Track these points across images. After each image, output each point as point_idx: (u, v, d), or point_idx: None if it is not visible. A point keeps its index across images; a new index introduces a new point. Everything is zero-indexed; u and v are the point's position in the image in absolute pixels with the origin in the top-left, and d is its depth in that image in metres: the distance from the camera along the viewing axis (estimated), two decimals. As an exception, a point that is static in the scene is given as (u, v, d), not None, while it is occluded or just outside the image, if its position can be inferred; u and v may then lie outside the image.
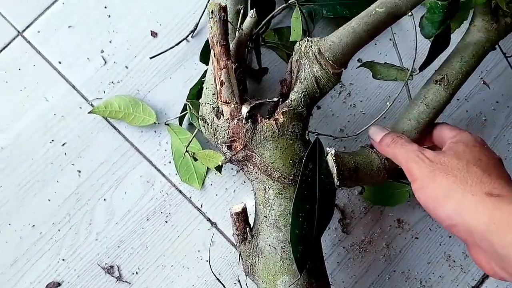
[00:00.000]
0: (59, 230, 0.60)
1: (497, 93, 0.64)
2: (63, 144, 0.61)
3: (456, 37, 0.53)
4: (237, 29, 0.52)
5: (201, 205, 0.61)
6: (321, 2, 0.63)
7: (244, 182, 0.61)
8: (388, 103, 0.56)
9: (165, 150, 0.61)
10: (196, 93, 0.59)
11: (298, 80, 0.50)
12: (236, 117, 0.49)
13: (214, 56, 0.49)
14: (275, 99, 0.52)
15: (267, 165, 0.48)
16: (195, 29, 0.63)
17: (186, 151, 0.58)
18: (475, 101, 0.64)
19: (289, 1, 0.57)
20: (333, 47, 0.48)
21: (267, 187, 0.48)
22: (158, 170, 0.61)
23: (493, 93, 0.64)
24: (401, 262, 0.59)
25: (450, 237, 0.60)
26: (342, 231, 0.60)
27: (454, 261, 0.59)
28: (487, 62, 0.64)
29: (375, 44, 0.64)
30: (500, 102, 0.64)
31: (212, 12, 0.48)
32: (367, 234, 0.60)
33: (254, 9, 0.50)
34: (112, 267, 0.59)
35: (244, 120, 0.48)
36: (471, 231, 0.38)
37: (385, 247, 0.60)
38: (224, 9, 0.48)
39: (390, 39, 0.64)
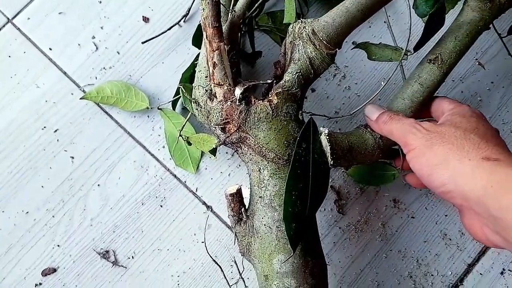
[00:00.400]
0: (53, 216, 0.59)
1: (492, 73, 0.64)
2: (55, 131, 0.61)
3: (450, 19, 0.52)
4: (230, 11, 0.52)
5: (196, 189, 0.61)
6: (313, -16, 0.62)
7: (239, 165, 0.61)
8: (382, 83, 0.56)
9: (159, 135, 0.61)
10: (188, 77, 0.59)
11: (292, 61, 0.49)
12: (229, 99, 0.49)
13: (207, 38, 0.49)
14: (269, 81, 0.51)
15: (261, 146, 0.48)
16: (187, 13, 0.63)
17: (180, 136, 0.58)
18: (470, 82, 0.63)
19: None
20: (327, 27, 0.48)
21: (261, 168, 0.48)
22: (152, 155, 0.61)
23: (488, 74, 0.64)
24: (398, 241, 0.59)
25: (446, 215, 0.60)
26: (338, 211, 0.60)
27: (450, 239, 0.60)
28: (482, 43, 0.64)
29: (370, 26, 0.64)
30: (495, 83, 0.64)
31: (203, -7, 0.47)
32: (363, 215, 0.60)
33: (247, -11, 0.50)
34: (107, 252, 0.58)
35: (237, 101, 0.48)
36: (466, 196, 0.38)
37: (381, 226, 0.60)
38: (215, -10, 0.47)
39: (385, 22, 0.64)
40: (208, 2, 0.48)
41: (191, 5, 0.63)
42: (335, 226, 0.60)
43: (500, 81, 0.64)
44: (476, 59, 0.64)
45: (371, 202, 0.60)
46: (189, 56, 0.63)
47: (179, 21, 0.63)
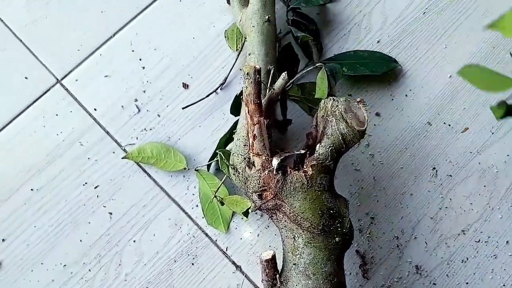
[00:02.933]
0: (89, 270, 0.62)
1: (508, 146, 0.67)
2: (96, 187, 0.64)
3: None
4: (268, 88, 0.57)
5: (226, 248, 0.63)
6: (341, 61, 0.68)
7: (268, 226, 0.64)
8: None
9: (193, 194, 0.65)
10: (225, 142, 0.63)
11: (325, 136, 0.53)
12: (267, 168, 0.52)
13: (248, 112, 0.53)
14: (302, 151, 0.55)
15: (296, 214, 0.51)
16: (224, 82, 0.68)
17: (215, 196, 0.61)
18: (487, 154, 0.67)
19: (316, 64, 0.62)
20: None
21: (296, 235, 0.51)
22: (186, 213, 0.64)
23: (504, 147, 0.68)
24: (420, 309, 0.61)
25: (467, 283, 0.62)
26: (362, 276, 0.62)
27: (472, 310, 0.62)
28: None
29: (392, 99, 0.69)
30: (511, 155, 0.67)
31: (247, 74, 0.52)
32: (387, 280, 0.62)
33: (286, 72, 0.55)
34: (139, 308, 0.60)
35: (274, 171, 0.52)
36: None
37: (403, 293, 0.62)
38: (258, 71, 0.52)
39: (406, 95, 0.69)
40: (251, 82, 0.53)
41: (228, 74, 0.68)
42: (359, 290, 0.62)
43: (515, 154, 0.68)
44: (492, 132, 0.68)
45: (394, 268, 0.63)
46: (224, 121, 0.67)
47: (216, 89, 0.68)
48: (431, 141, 0.68)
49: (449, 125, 0.68)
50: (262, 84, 0.57)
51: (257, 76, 0.53)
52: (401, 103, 0.69)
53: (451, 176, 0.66)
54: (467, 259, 0.64)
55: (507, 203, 0.65)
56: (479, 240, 0.64)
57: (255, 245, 0.63)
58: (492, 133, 0.68)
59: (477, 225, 0.65)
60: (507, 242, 0.64)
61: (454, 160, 0.67)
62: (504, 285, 0.62)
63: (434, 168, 0.67)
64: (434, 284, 0.62)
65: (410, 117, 0.68)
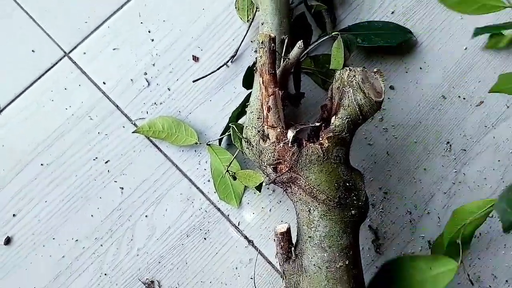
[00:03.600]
0: (101, 245, 0.62)
1: (523, 120, 0.66)
2: (106, 162, 0.64)
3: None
4: (283, 58, 0.55)
5: (238, 223, 0.63)
6: (356, 31, 0.66)
7: (280, 201, 0.63)
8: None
9: (205, 169, 0.64)
10: (236, 115, 0.62)
11: (342, 107, 0.52)
12: (282, 141, 0.51)
13: (263, 83, 0.52)
14: (318, 124, 0.54)
15: (312, 187, 0.50)
16: (235, 55, 0.66)
17: (227, 171, 0.61)
18: (502, 128, 0.66)
19: (331, 33, 0.60)
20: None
21: (311, 208, 0.50)
22: (198, 188, 0.63)
23: (518, 121, 0.66)
24: (433, 283, 0.61)
25: (479, 259, 0.62)
26: (375, 251, 0.62)
27: (483, 282, 0.61)
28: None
29: (406, 72, 0.67)
30: (526, 129, 0.66)
31: (262, 42, 0.51)
32: (399, 255, 0.62)
33: (302, 40, 0.53)
34: (152, 282, 0.60)
35: (290, 143, 0.51)
36: None
37: (416, 268, 0.62)
38: (273, 39, 0.51)
39: (421, 68, 0.67)
40: (266, 51, 0.51)
41: (239, 46, 0.66)
42: (372, 265, 0.62)
43: (531, 128, 0.66)
44: (507, 106, 0.67)
45: (407, 243, 0.62)
46: (236, 94, 0.66)
47: (227, 61, 0.66)
48: (446, 115, 0.66)
49: (464, 98, 0.67)
50: (276, 53, 0.55)
51: (272, 45, 0.51)
52: (416, 76, 0.68)
53: (465, 150, 0.65)
54: (480, 235, 0.63)
55: (522, 178, 0.65)
56: (493, 216, 0.64)
57: (267, 220, 0.63)
58: (507, 107, 0.67)
59: (491, 199, 0.64)
60: (521, 216, 0.64)
61: (469, 134, 0.66)
62: (517, 259, 0.62)
63: (448, 143, 0.66)
64: (447, 258, 0.62)
65: (425, 91, 0.67)
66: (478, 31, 0.54)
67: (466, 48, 0.68)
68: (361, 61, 0.68)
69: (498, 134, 0.66)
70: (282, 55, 0.57)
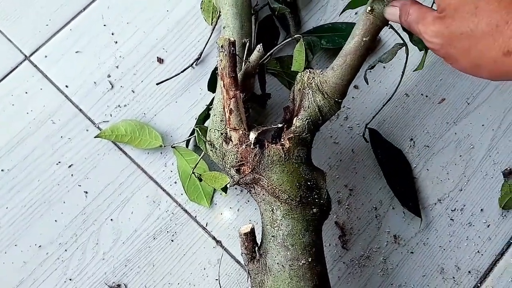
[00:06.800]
0: (66, 250, 0.61)
1: (483, 116, 0.68)
2: (70, 166, 0.63)
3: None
4: (244, 61, 0.55)
5: (206, 224, 0.63)
6: (320, 33, 0.67)
7: (248, 201, 0.64)
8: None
9: (171, 171, 0.64)
10: (203, 118, 0.62)
11: (302, 108, 0.53)
12: (244, 143, 0.52)
13: (224, 86, 0.52)
14: (279, 125, 0.55)
15: (274, 187, 0.51)
16: (199, 57, 0.66)
17: (193, 173, 0.60)
18: (463, 124, 0.68)
19: (294, 36, 0.60)
20: (333, 78, 0.52)
21: (274, 208, 0.51)
22: (164, 190, 0.63)
23: (479, 117, 0.68)
24: (398, 276, 0.62)
25: (444, 249, 0.64)
26: (342, 247, 0.63)
27: (447, 273, 0.63)
28: (474, 87, 0.69)
29: (370, 71, 0.68)
30: (485, 125, 0.68)
31: (222, 46, 0.51)
32: (366, 250, 0.63)
33: (261, 44, 0.54)
34: (119, 285, 0.60)
35: (252, 145, 0.51)
36: None
37: (382, 262, 0.63)
38: (233, 43, 0.51)
39: (384, 67, 0.68)
40: (225, 54, 0.51)
41: (203, 48, 0.66)
42: (339, 261, 0.63)
43: (490, 124, 0.68)
44: (468, 103, 0.69)
45: (373, 238, 0.64)
46: (201, 96, 0.66)
47: (192, 63, 0.66)
48: (409, 112, 0.68)
49: (426, 96, 0.68)
50: (237, 57, 0.55)
51: (232, 48, 0.51)
52: (379, 75, 0.69)
53: (428, 146, 0.67)
54: (443, 228, 0.65)
55: (482, 172, 0.66)
56: (455, 209, 0.65)
57: (235, 220, 0.63)
58: (468, 104, 0.69)
59: (453, 194, 0.66)
60: (481, 210, 0.65)
61: (431, 130, 0.67)
62: (478, 251, 0.64)
63: (411, 139, 0.67)
64: (412, 252, 0.64)
65: (388, 89, 0.68)
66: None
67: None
68: (325, 62, 0.68)
69: (460, 130, 0.68)
70: (244, 58, 0.57)
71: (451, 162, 0.67)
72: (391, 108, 0.68)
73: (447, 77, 0.69)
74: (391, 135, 0.67)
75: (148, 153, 0.64)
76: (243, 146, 0.52)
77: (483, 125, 0.68)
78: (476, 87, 0.69)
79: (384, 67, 0.69)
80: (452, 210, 0.65)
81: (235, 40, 0.52)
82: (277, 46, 0.62)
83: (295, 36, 0.60)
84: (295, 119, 0.53)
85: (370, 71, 0.68)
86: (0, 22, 0.65)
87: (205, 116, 0.61)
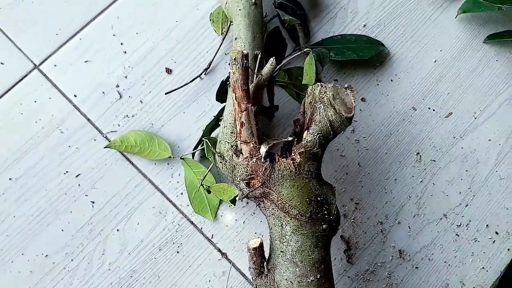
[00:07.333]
0: (72, 260, 0.61)
1: (490, 131, 0.68)
2: (77, 176, 0.63)
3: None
4: (256, 74, 0.55)
5: (212, 236, 0.63)
6: (329, 45, 0.67)
7: (254, 213, 0.64)
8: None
9: (177, 182, 0.64)
10: (210, 128, 0.62)
11: (313, 123, 0.53)
12: (255, 156, 0.52)
13: (236, 99, 0.52)
14: (290, 138, 0.55)
15: (284, 202, 0.51)
16: (208, 67, 0.66)
17: (201, 185, 0.60)
18: (470, 139, 0.68)
19: (304, 48, 0.61)
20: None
21: (283, 223, 0.51)
22: (170, 201, 0.63)
23: (486, 131, 0.68)
24: (404, 292, 0.63)
25: (449, 265, 0.64)
26: (347, 261, 0.63)
27: (453, 292, 0.63)
28: (480, 102, 0.69)
29: (377, 84, 0.68)
30: (492, 140, 0.68)
31: (235, 59, 0.51)
32: (370, 265, 0.63)
33: (274, 57, 0.54)
34: (125, 297, 0.60)
35: (262, 159, 0.51)
36: None
37: (387, 277, 0.63)
38: (246, 56, 0.51)
39: (392, 80, 0.69)
40: (238, 67, 0.51)
41: (212, 59, 0.66)
42: (344, 275, 0.63)
43: (497, 138, 0.68)
44: (475, 117, 0.69)
45: (378, 252, 0.64)
46: (209, 107, 0.66)
47: (201, 74, 0.66)
48: (416, 126, 0.68)
49: (434, 110, 0.69)
50: (249, 69, 0.55)
51: (245, 61, 0.52)
52: (387, 88, 0.69)
53: (434, 161, 0.67)
54: (448, 243, 0.65)
55: (488, 188, 0.67)
56: (460, 224, 0.66)
57: (241, 232, 0.63)
58: (475, 118, 0.69)
59: (458, 209, 0.66)
60: (487, 225, 0.66)
61: (438, 145, 0.68)
62: (483, 267, 0.64)
63: (418, 153, 0.67)
64: (417, 268, 0.64)
65: (396, 102, 0.68)
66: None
67: (435, 61, 0.70)
68: (334, 74, 0.69)
69: (466, 144, 0.68)
70: (255, 70, 0.57)
71: (457, 177, 0.67)
72: (398, 121, 0.68)
73: (455, 91, 0.69)
74: (397, 149, 0.67)
75: (155, 164, 0.64)
76: (254, 160, 0.52)
77: (489, 139, 0.68)
78: (484, 101, 0.69)
79: (391, 80, 0.69)
80: (457, 226, 0.65)
81: (248, 53, 0.52)
82: (288, 58, 0.62)
83: (305, 49, 0.60)
84: (305, 133, 0.53)
85: (378, 85, 0.69)
86: (10, 31, 0.65)
87: (212, 126, 0.61)
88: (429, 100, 0.69)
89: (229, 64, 0.66)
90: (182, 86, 0.65)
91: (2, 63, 0.65)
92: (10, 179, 0.62)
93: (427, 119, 0.68)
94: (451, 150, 0.68)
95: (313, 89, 0.54)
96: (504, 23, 0.71)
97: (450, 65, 0.70)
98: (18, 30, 0.66)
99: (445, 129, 0.68)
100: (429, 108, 0.69)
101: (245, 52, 0.51)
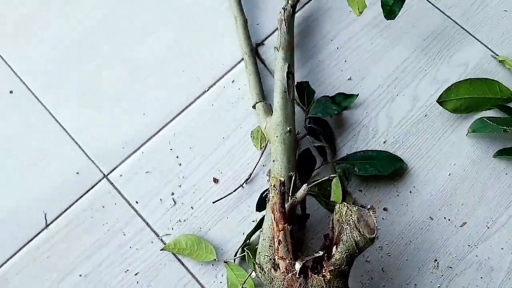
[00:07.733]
0: None
1: (502, 240, 0.76)
2: (136, 274, 0.73)
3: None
4: (290, 196, 0.66)
5: (251, 333, 0.71)
6: (353, 160, 0.77)
7: (287, 313, 0.71)
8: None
9: (221, 283, 0.73)
10: (250, 235, 0.72)
11: (341, 242, 0.62)
12: (290, 272, 0.61)
13: (274, 219, 0.62)
14: (321, 253, 0.64)
15: (316, 314, 0.59)
16: (249, 177, 0.77)
17: (242, 287, 0.69)
18: (483, 247, 0.75)
19: (331, 175, 0.71)
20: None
21: (315, 333, 0.59)
22: (215, 300, 0.72)
23: (498, 240, 0.76)
24: None
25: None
26: None
27: None
28: (493, 212, 0.77)
29: (397, 195, 0.78)
30: (505, 249, 0.75)
31: (273, 185, 0.62)
32: None
33: (307, 184, 0.64)
34: None
35: (297, 274, 0.60)
36: None
37: None
38: (283, 183, 0.62)
39: (410, 191, 0.78)
40: (276, 193, 0.62)
41: (252, 171, 0.77)
42: None
43: (509, 247, 0.75)
44: (488, 227, 0.76)
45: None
46: (249, 213, 0.76)
47: (243, 183, 0.77)
48: (433, 234, 0.76)
49: (449, 219, 0.77)
50: (285, 193, 0.66)
51: (282, 188, 0.62)
52: (406, 198, 0.78)
53: (451, 267, 0.74)
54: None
55: (502, 294, 0.73)
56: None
57: (276, 330, 0.71)
58: (488, 228, 0.76)
59: (475, 314, 0.72)
60: (502, 331, 0.71)
61: (454, 252, 0.75)
62: None
63: (435, 260, 0.75)
64: None
65: (414, 212, 0.77)
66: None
67: (450, 174, 0.79)
68: (358, 185, 0.78)
69: (480, 252, 0.75)
70: (290, 191, 0.67)
71: (473, 283, 0.73)
72: (417, 230, 0.76)
73: (468, 202, 0.77)
74: (416, 256, 0.75)
75: (202, 264, 0.73)
76: (290, 275, 0.61)
77: (502, 248, 0.75)
78: (495, 212, 0.77)
79: (410, 192, 0.78)
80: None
81: (284, 180, 0.63)
82: (319, 180, 0.72)
83: (331, 176, 0.71)
84: (334, 249, 0.62)
85: (398, 196, 0.77)
86: (85, 145, 0.79)
87: (251, 233, 0.71)
88: (445, 210, 0.77)
89: (267, 174, 0.77)
90: (227, 195, 0.76)
91: (77, 173, 0.78)
92: (80, 275, 0.73)
93: (443, 228, 0.76)
94: (466, 258, 0.75)
95: (340, 208, 0.63)
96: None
97: (463, 178, 0.79)
98: (91, 145, 0.79)
99: (460, 237, 0.76)
100: (445, 217, 0.77)
101: (282, 179, 0.62)
